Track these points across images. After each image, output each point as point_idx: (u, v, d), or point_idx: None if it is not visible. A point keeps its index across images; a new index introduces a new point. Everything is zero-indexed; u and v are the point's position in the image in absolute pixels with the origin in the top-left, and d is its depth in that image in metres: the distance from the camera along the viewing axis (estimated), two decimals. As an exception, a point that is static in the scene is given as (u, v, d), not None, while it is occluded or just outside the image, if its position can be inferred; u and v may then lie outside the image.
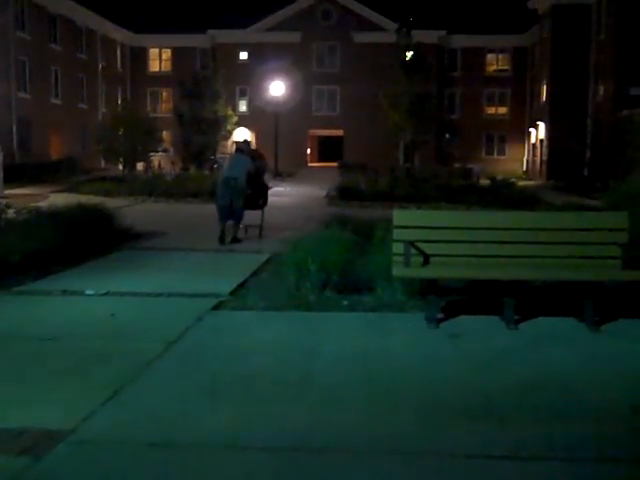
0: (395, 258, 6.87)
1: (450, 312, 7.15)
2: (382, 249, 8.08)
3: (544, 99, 47.90)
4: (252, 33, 55.03)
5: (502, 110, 56.53)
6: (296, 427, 4.34)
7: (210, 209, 21.41)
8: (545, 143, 46.86)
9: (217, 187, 13.88)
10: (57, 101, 44.66)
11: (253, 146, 30.24)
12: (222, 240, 12.98)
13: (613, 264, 6.78)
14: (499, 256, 6.92)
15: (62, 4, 44.04)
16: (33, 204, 16.21)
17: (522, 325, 6.78)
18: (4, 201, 16.65)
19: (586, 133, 39.59)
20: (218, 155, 45.64)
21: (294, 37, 54.76)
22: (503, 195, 23.39)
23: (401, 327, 6.75)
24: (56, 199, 20.35)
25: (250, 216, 13.84)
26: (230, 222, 13.37)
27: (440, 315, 6.98)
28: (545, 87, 47.61)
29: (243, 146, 14.82)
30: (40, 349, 5.96)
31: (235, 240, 13.23)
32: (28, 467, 3.80)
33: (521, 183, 33.89)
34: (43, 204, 16.51)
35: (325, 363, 5.66)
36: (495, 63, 56.52)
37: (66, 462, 3.88)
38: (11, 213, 12.49)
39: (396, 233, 6.94)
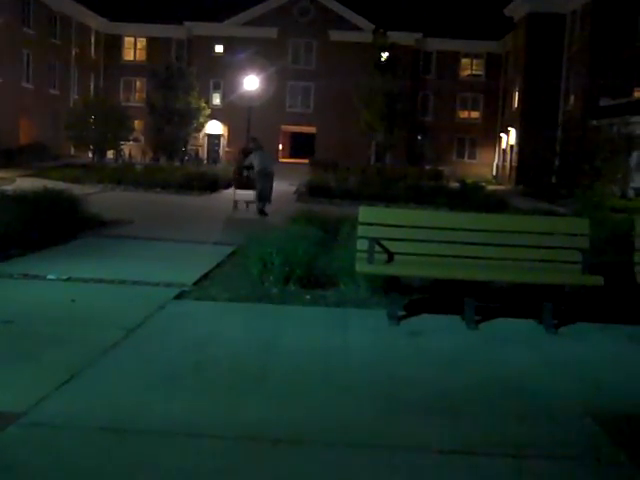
0: (359, 255, 6.89)
1: (412, 310, 7.19)
2: (347, 246, 8.11)
3: (516, 106, 48.37)
4: (229, 27, 54.85)
5: (474, 114, 56.99)
6: (250, 417, 4.34)
7: (178, 200, 21.36)
8: (515, 149, 47.33)
9: (257, 176, 18.56)
10: (28, 85, 44.19)
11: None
12: (264, 213, 17.94)
13: (573, 269, 6.86)
14: (462, 257, 6.97)
15: (36, -12, 43.62)
16: (-2, 187, 16.04)
17: (482, 325, 6.85)
18: (-31, 183, 16.46)
19: (556, 141, 40.03)
20: (189, 147, 45.46)
21: (270, 32, 54.69)
22: (472, 198, 23.55)
23: (362, 323, 6.77)
24: (23, 183, 20.15)
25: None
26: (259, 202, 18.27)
27: (402, 313, 7.02)
28: (517, 94, 48.09)
29: (258, 143, 19.58)
30: (-3, 331, 5.90)
31: (264, 213, 18.01)
32: (-23, 448, 3.77)
33: (490, 187, 34.16)
34: (9, 188, 16.35)
35: (284, 356, 5.67)
36: (469, 68, 56.95)
37: (17, 444, 3.84)
38: (-25, 195, 12.36)
39: (361, 230, 6.95)
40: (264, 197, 18.38)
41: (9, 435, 3.93)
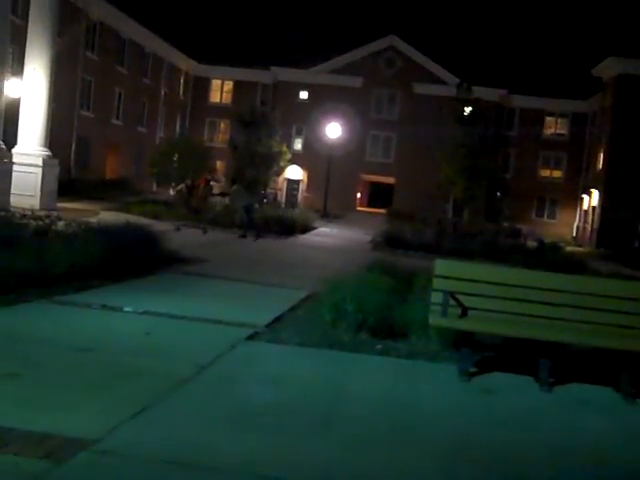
0: (433, 307, 6.84)
1: (484, 367, 7.08)
2: (421, 298, 8.05)
3: (600, 167, 47.56)
4: (314, 74, 55.76)
5: (556, 174, 56.18)
6: (315, 463, 4.32)
7: (256, 242, 21.65)
8: (597, 211, 46.42)
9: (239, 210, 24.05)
10: (118, 122, 45.64)
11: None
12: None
13: (655, 336, 6.65)
14: (539, 316, 6.85)
15: (133, 29, 45.23)
16: (83, 219, 16.52)
17: (556, 388, 6.67)
18: (56, 213, 17.02)
19: (640, 204, 39.16)
20: (269, 190, 46.03)
21: (356, 82, 55.33)
22: (549, 258, 23.13)
23: (432, 377, 6.69)
24: (106, 216, 20.68)
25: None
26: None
27: (473, 369, 6.91)
28: (602, 155, 47.30)
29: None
30: (75, 359, 6.04)
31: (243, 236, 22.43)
32: (50, 470, 3.85)
33: (569, 248, 33.52)
34: (93, 220, 16.81)
35: (352, 404, 5.63)
36: (553, 126, 56.31)
37: (85, 470, 3.91)
38: (61, 225, 12.76)
39: (436, 282, 6.92)
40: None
41: (80, 461, 4.01)
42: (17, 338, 6.54)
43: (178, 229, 21.80)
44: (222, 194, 28.82)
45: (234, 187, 26.33)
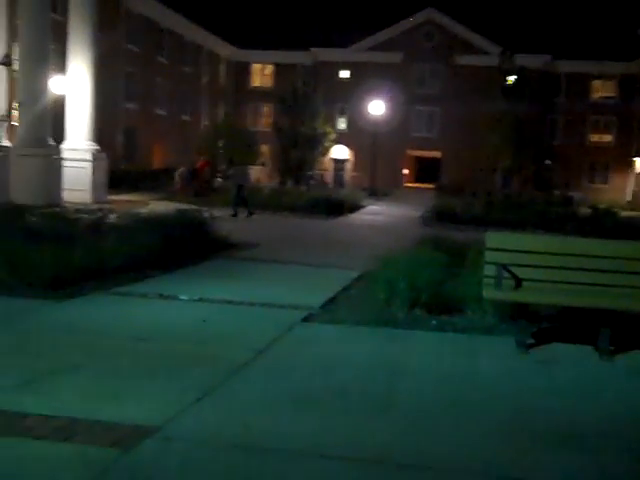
0: (486, 280, 6.80)
1: (541, 338, 7.01)
2: (474, 271, 8.00)
3: (652, 128, 46.50)
4: (354, 52, 55.51)
5: (607, 138, 55.15)
6: (377, 441, 4.35)
7: (305, 223, 21.70)
8: (651, 173, 45.44)
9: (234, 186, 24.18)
10: (162, 112, 46.02)
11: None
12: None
13: None
14: (594, 284, 6.75)
15: (172, 19, 45.46)
16: (134, 210, 16.75)
17: (616, 357, 6.59)
18: (107, 206, 17.29)
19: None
20: (315, 171, 46.06)
21: (395, 57, 54.94)
22: (604, 224, 22.71)
23: (490, 350, 6.66)
24: (156, 206, 20.94)
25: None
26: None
27: (530, 341, 6.85)
28: (653, 116, 46.22)
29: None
30: (134, 348, 6.16)
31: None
32: (117, 459, 3.95)
33: (624, 213, 32.89)
34: (143, 210, 17.03)
35: (411, 381, 5.64)
36: (601, 90, 55.20)
37: (152, 456, 4.00)
38: (113, 218, 12.96)
39: (488, 255, 6.86)
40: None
41: (145, 448, 4.09)
42: (78, 330, 6.70)
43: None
44: (224, 176, 29.14)
45: (231, 169, 27.31)
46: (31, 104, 20.86)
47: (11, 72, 23.20)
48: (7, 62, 22.00)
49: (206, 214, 13.82)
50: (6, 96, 23.16)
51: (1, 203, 14.29)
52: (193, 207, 15.66)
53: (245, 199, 23.74)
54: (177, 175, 31.95)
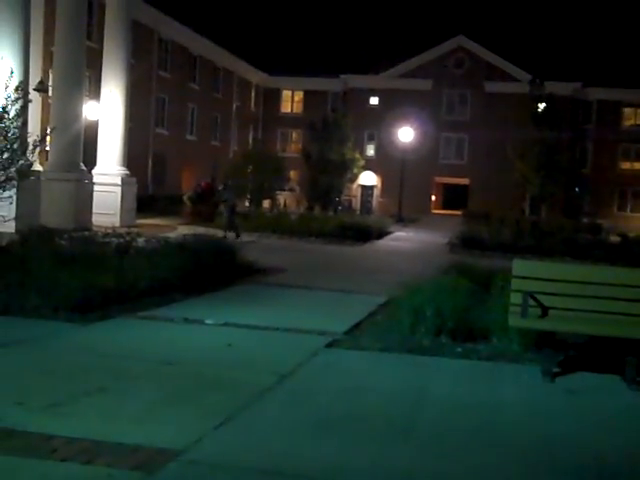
0: (512, 308, 6.77)
1: (567, 367, 6.96)
2: (500, 299, 7.97)
3: (683, 156, 46.08)
4: (384, 79, 55.75)
5: (638, 166, 54.66)
6: (397, 468, 4.34)
7: (331, 249, 21.73)
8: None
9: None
10: (192, 137, 46.46)
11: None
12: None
13: None
14: (622, 314, 6.70)
15: (204, 46, 45.98)
16: (162, 234, 16.89)
17: (643, 387, 6.52)
18: (135, 230, 17.46)
19: None
20: (343, 197, 46.16)
21: (425, 84, 55.07)
22: (634, 253, 22.46)
23: (515, 378, 6.62)
24: (184, 231, 21.08)
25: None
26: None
27: (556, 369, 6.80)
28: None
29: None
30: (159, 372, 6.21)
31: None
32: (140, 481, 3.97)
33: (654, 242, 32.49)
34: (171, 235, 17.16)
35: (434, 408, 5.63)
36: (632, 117, 54.85)
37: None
38: (141, 242, 13.09)
39: (515, 283, 6.85)
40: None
41: (170, 471, 4.12)
42: (104, 353, 6.76)
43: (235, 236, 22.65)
44: (217, 198, 29.55)
45: (225, 191, 27.33)
46: (64, 129, 21.19)
47: (45, 98, 23.60)
48: (42, 89, 22.39)
49: (231, 239, 14.02)
50: (40, 121, 23.54)
51: (32, 226, 14.47)
52: (219, 232, 15.76)
53: (233, 221, 24.14)
54: (186, 199, 31.89)
